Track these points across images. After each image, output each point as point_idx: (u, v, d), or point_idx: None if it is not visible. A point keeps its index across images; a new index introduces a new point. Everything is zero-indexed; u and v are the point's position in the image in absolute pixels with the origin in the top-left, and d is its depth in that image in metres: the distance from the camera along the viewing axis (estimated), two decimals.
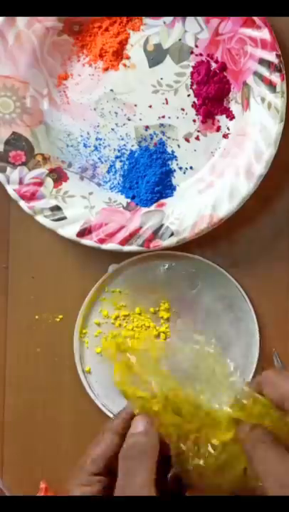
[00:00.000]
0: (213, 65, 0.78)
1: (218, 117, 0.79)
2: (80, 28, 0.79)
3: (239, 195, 0.76)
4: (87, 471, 0.58)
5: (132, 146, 0.80)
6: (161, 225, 0.77)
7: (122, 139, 0.79)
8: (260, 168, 0.75)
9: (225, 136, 0.79)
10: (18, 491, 0.82)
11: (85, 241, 0.77)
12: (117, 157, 0.80)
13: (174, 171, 0.79)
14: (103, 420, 0.80)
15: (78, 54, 0.80)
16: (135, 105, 0.79)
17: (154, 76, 0.79)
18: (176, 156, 0.79)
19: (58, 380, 0.81)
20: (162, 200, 0.79)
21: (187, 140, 0.79)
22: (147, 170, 0.79)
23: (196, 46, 0.78)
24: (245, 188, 0.76)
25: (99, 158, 0.80)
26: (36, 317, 0.81)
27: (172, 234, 0.77)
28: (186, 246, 0.78)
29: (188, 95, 0.79)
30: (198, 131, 0.79)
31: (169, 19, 0.78)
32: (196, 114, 0.79)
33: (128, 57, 0.79)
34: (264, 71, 0.75)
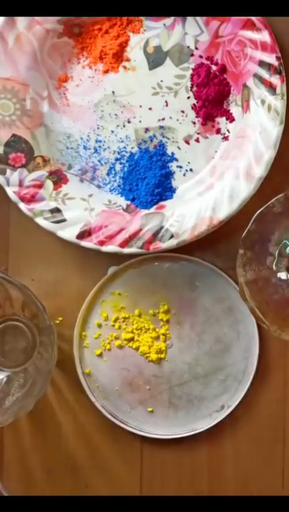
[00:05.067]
0: (213, 67, 0.78)
1: (218, 119, 0.79)
2: (80, 31, 0.79)
3: (239, 198, 0.76)
4: None
5: (132, 148, 0.80)
6: (161, 227, 0.77)
7: (122, 141, 0.80)
8: (260, 171, 0.76)
9: (225, 138, 0.79)
10: (18, 491, 0.82)
11: (85, 243, 0.77)
12: (116, 159, 0.80)
13: (174, 173, 0.79)
14: (102, 422, 0.80)
15: (78, 56, 0.80)
16: (135, 107, 0.79)
17: (154, 78, 0.79)
18: (176, 158, 0.79)
19: (57, 381, 0.81)
20: (162, 203, 0.79)
21: (187, 142, 0.79)
22: (147, 172, 0.79)
23: (196, 48, 0.78)
24: (245, 190, 0.76)
25: (99, 161, 0.80)
26: None
27: (172, 236, 0.77)
28: (186, 248, 0.78)
29: (188, 97, 0.79)
30: (198, 134, 0.79)
31: (169, 21, 0.78)
32: (196, 116, 0.79)
33: (128, 60, 0.79)
34: (264, 73, 0.75)
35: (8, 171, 0.78)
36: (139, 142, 0.80)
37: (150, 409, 0.80)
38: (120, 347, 0.80)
